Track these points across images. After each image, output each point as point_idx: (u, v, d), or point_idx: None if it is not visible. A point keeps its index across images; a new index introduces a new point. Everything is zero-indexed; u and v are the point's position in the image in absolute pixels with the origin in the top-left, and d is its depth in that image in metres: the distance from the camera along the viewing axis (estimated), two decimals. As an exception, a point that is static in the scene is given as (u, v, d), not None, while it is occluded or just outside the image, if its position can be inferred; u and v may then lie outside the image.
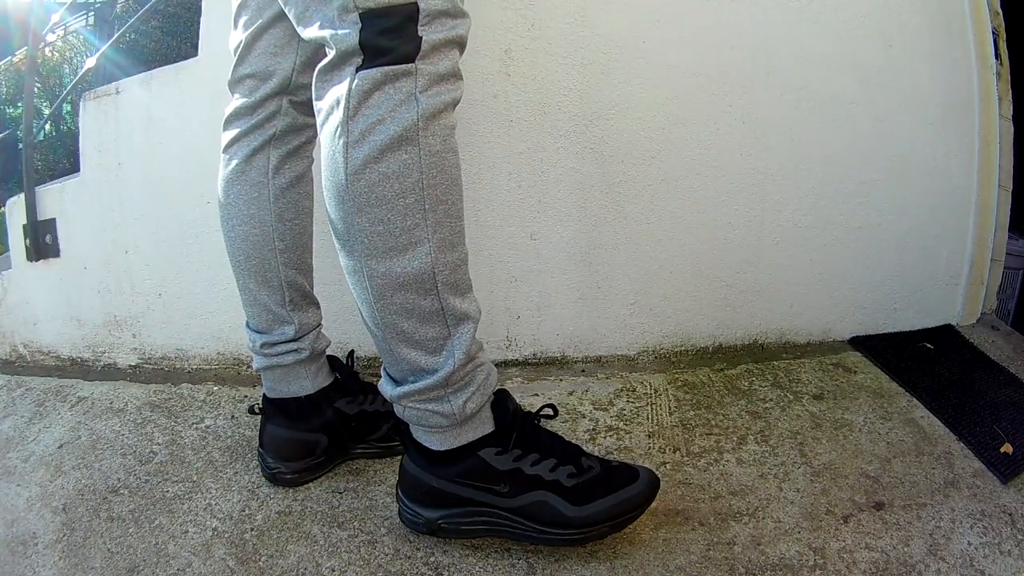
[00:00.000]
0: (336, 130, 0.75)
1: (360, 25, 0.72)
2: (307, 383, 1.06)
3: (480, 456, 0.87)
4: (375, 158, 0.74)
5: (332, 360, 1.12)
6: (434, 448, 0.88)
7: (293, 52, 0.96)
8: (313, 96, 0.79)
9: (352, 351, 1.20)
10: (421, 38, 0.73)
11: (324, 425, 1.07)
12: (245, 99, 0.97)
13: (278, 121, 0.98)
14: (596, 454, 1.13)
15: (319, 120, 0.79)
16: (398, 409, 0.88)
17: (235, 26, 0.97)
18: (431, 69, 0.74)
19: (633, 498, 0.89)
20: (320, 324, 1.09)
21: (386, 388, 0.87)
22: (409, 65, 0.73)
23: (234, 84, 0.98)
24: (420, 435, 0.89)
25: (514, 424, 0.88)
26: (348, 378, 1.11)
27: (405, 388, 0.84)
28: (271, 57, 0.95)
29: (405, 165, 0.74)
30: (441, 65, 0.75)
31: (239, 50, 0.96)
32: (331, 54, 0.75)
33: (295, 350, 1.04)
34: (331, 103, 0.76)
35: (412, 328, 0.81)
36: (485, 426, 0.88)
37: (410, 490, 0.92)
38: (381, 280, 0.78)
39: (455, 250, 0.80)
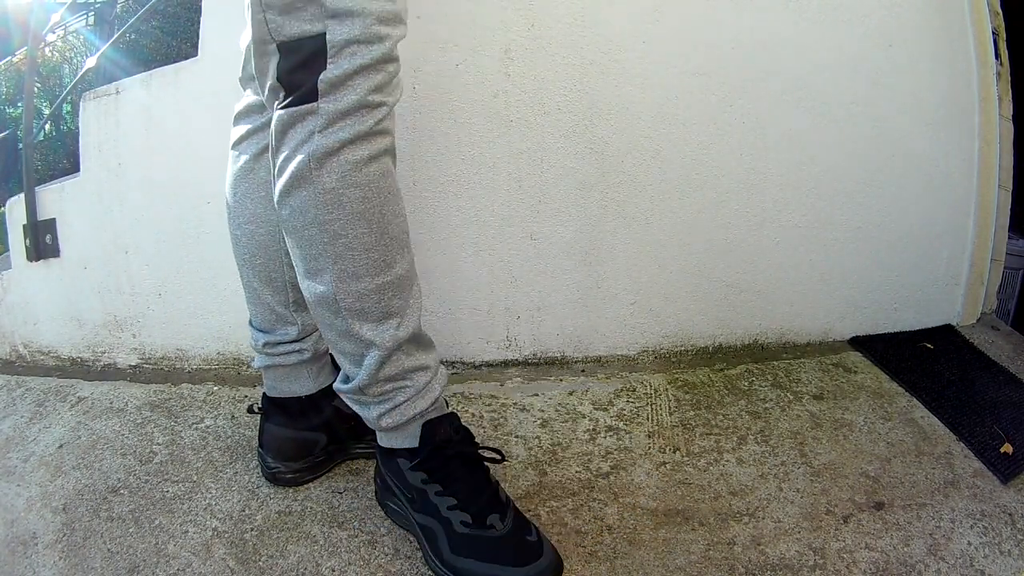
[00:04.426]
0: (269, 160, 0.83)
1: (279, 56, 0.76)
2: (309, 383, 1.06)
3: (398, 462, 0.92)
4: (285, 192, 0.81)
5: (333, 359, 1.11)
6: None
7: None
8: None
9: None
10: (318, 77, 0.74)
11: (323, 424, 1.07)
12: (257, 96, 0.97)
13: None
14: (595, 455, 1.13)
15: None
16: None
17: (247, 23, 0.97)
18: (331, 107, 0.75)
19: None
20: None
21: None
22: (312, 104, 0.75)
23: (246, 80, 0.98)
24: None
25: (430, 450, 0.89)
26: (348, 378, 1.11)
27: (341, 385, 0.92)
28: None
29: (303, 201, 0.80)
30: (345, 100, 0.75)
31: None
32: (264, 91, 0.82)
33: (298, 351, 1.04)
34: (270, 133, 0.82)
35: (334, 339, 0.87)
36: (408, 440, 0.91)
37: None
38: (306, 293, 0.86)
39: (359, 280, 0.82)
